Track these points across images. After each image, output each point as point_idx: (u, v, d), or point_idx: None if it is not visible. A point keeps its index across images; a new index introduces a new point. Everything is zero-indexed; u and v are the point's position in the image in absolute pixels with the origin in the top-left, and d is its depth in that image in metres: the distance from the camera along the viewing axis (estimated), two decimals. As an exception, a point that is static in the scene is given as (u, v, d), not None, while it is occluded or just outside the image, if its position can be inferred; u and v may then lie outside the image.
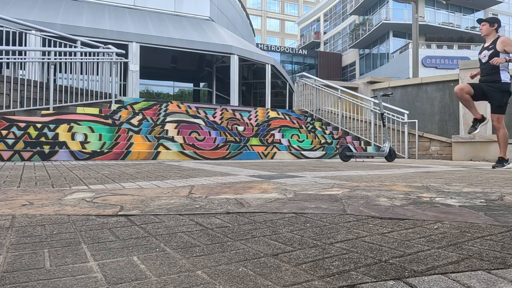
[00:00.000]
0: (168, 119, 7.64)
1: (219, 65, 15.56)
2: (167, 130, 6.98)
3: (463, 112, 8.60)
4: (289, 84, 16.75)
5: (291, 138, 8.02)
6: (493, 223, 1.27)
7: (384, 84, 10.10)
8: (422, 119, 9.08)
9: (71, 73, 7.35)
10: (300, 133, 8.64)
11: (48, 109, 6.73)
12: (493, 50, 4.51)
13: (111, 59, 8.08)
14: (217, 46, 12.48)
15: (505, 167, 4.45)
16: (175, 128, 7.21)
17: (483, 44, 4.81)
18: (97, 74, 7.92)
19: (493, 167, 4.50)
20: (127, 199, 1.79)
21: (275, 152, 7.06)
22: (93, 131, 6.30)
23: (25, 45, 7.55)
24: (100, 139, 6.08)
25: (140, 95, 12.24)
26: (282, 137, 7.98)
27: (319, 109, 10.36)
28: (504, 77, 4.51)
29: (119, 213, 1.44)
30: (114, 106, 7.83)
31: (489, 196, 1.92)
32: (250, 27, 21.93)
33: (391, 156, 6.43)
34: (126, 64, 10.05)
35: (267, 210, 1.53)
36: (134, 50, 11.26)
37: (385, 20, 29.28)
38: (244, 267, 0.83)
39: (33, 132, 5.66)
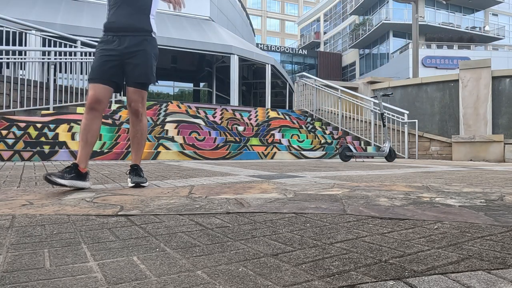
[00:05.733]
0: (168, 119, 7.64)
1: (219, 65, 15.56)
2: (167, 130, 6.98)
3: (463, 112, 8.60)
4: (289, 84, 16.75)
5: (291, 138, 8.02)
6: (493, 223, 1.27)
7: (384, 84, 10.10)
8: (422, 119, 9.08)
9: (71, 73, 7.34)
10: (300, 133, 8.64)
11: (48, 109, 6.73)
12: None
13: (111, 59, 8.07)
14: (217, 46, 12.48)
15: None
16: (175, 128, 7.21)
17: None
18: (97, 74, 7.91)
19: None
20: (127, 199, 1.79)
21: (275, 152, 7.06)
22: (93, 131, 6.29)
23: (25, 45, 7.55)
24: (100, 139, 6.07)
25: (140, 95, 12.22)
26: (282, 137, 7.98)
27: (319, 109, 10.36)
28: None
29: (119, 213, 1.44)
30: (114, 106, 7.82)
31: (489, 196, 1.92)
32: (250, 27, 21.93)
33: (391, 156, 6.43)
34: (126, 64, 10.02)
35: (267, 210, 1.53)
36: (134, 50, 11.23)
37: (385, 20, 29.27)
38: (244, 267, 0.83)
39: (33, 132, 5.66)
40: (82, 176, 2.21)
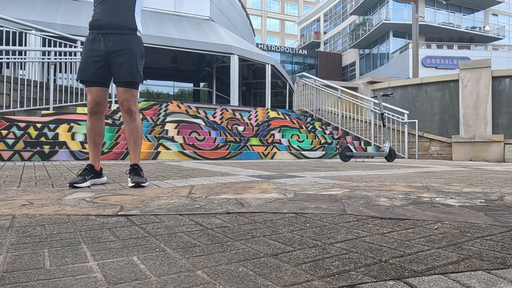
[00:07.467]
0: (168, 119, 7.64)
1: (219, 65, 15.55)
2: (167, 130, 6.98)
3: (463, 112, 8.60)
4: (289, 84, 16.75)
5: (291, 138, 8.02)
6: (493, 223, 1.27)
7: (384, 84, 10.10)
8: (422, 119, 9.08)
9: (71, 73, 7.34)
10: (300, 133, 8.64)
11: (48, 109, 6.73)
12: None
13: (111, 59, 8.06)
14: (217, 46, 12.47)
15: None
16: (175, 128, 7.21)
17: None
18: (97, 74, 7.91)
19: None
20: (127, 199, 1.79)
21: (275, 152, 7.06)
22: (93, 131, 6.29)
23: (25, 45, 7.55)
24: (100, 139, 6.07)
25: (140, 95, 12.24)
26: (282, 137, 7.98)
27: (319, 109, 10.36)
28: None
29: (119, 213, 1.44)
30: (114, 106, 7.82)
31: (489, 196, 1.92)
32: (250, 27, 21.92)
33: (391, 156, 6.42)
34: (126, 64, 10.02)
35: (267, 210, 1.53)
36: (134, 50, 11.23)
37: (385, 20, 29.27)
38: (244, 267, 0.83)
39: (33, 132, 5.66)
40: (99, 174, 2.44)
